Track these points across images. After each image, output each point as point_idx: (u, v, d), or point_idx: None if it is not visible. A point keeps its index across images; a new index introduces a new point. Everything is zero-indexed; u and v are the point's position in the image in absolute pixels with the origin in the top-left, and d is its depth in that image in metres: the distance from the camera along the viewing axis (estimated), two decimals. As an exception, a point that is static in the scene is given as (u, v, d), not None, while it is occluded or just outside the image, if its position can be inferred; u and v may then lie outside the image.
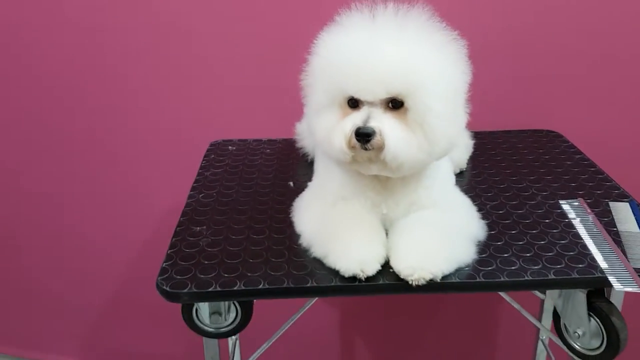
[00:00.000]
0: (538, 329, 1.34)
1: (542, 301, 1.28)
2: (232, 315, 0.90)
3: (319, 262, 0.83)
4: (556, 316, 0.91)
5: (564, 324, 0.89)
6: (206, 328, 0.90)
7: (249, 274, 0.82)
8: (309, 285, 0.80)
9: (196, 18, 1.32)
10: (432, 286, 0.78)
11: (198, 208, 1.01)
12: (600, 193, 1.02)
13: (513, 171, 1.12)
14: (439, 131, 0.77)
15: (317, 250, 0.83)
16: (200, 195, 1.05)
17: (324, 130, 0.80)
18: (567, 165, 1.14)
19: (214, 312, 0.88)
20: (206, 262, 0.85)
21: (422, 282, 0.76)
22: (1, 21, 1.36)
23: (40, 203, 1.54)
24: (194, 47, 1.35)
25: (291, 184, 1.08)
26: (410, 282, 0.77)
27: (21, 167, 1.51)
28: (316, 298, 1.06)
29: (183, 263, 0.85)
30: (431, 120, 0.76)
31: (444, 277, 0.79)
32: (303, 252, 0.86)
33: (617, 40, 1.27)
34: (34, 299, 1.65)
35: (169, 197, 1.46)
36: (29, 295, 1.65)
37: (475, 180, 1.08)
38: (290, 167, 1.16)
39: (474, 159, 1.16)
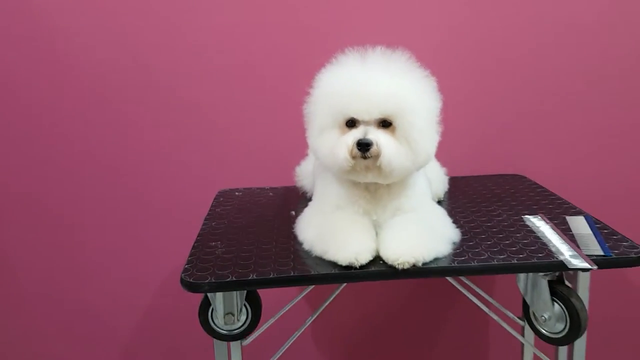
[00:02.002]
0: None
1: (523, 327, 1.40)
2: (243, 317, 1.02)
3: (319, 259, 0.98)
4: (525, 307, 1.04)
5: (532, 312, 1.03)
6: (220, 330, 1.02)
7: (259, 269, 0.96)
8: (312, 273, 0.94)
9: (199, 87, 1.53)
10: (414, 271, 0.93)
11: (211, 232, 1.16)
12: (558, 212, 1.19)
13: (483, 200, 1.29)
14: (420, 144, 0.96)
15: (317, 250, 0.98)
16: (213, 223, 1.21)
17: (328, 146, 0.98)
18: (530, 195, 1.32)
19: (227, 313, 1.01)
20: (222, 263, 0.99)
21: (406, 266, 0.91)
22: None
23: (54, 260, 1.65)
24: (198, 111, 1.54)
25: (293, 212, 1.24)
26: (396, 267, 0.92)
27: (27, 235, 1.62)
28: (317, 314, 1.19)
29: (202, 264, 0.99)
30: (414, 135, 0.95)
31: (425, 264, 0.94)
32: (306, 254, 1.01)
33: (569, 97, 1.50)
34: None
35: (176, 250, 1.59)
36: None
37: (451, 206, 1.25)
38: (291, 202, 1.33)
39: (450, 194, 1.33)
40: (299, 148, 1.37)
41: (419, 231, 0.97)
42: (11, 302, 1.66)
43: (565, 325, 0.98)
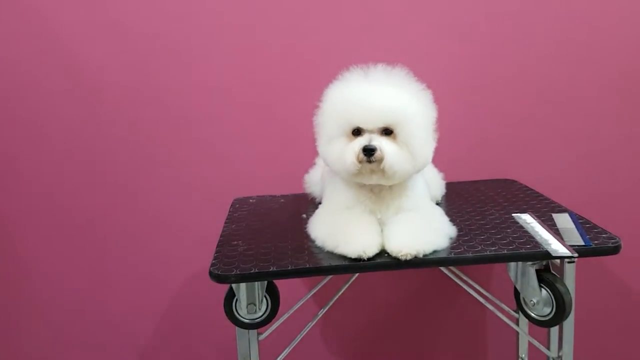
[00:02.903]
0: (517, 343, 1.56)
1: (517, 319, 1.51)
2: (264, 307, 1.14)
3: (331, 253, 1.10)
4: (516, 293, 1.16)
5: (523, 298, 1.14)
6: (243, 319, 1.14)
7: (278, 262, 1.08)
8: (325, 265, 1.06)
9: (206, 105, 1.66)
10: (416, 262, 1.05)
11: (232, 233, 1.28)
12: (546, 210, 1.31)
13: (477, 201, 1.41)
14: (419, 149, 1.09)
15: (329, 245, 1.11)
16: (233, 226, 1.33)
17: (336, 152, 1.11)
18: (520, 197, 1.44)
19: (250, 303, 1.13)
20: (244, 258, 1.12)
21: (409, 257, 1.04)
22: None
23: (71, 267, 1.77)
24: (213, 125, 1.67)
25: (304, 215, 1.36)
26: (400, 258, 1.04)
27: (45, 243, 1.72)
28: (328, 306, 1.31)
29: (227, 260, 1.11)
30: (414, 141, 1.08)
31: (425, 255, 1.06)
32: (319, 249, 1.13)
33: (557, 106, 1.63)
34: None
35: (200, 255, 1.71)
36: None
37: (448, 207, 1.37)
38: (302, 207, 1.45)
39: (447, 197, 1.46)
40: (307, 158, 1.50)
41: (420, 227, 1.10)
42: (29, 310, 1.76)
43: (552, 309, 1.10)
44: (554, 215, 1.26)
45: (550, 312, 1.10)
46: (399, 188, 1.15)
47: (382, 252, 1.07)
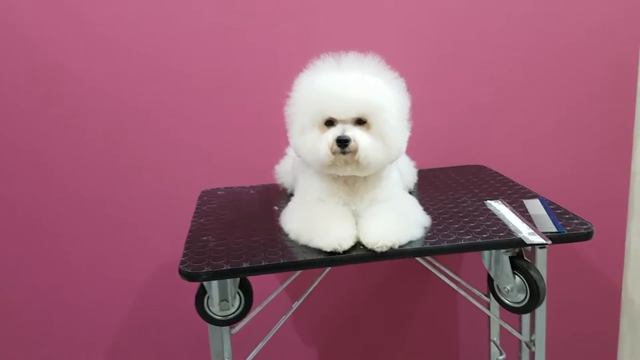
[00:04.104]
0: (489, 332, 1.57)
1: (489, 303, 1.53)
2: (237, 302, 1.12)
3: (305, 247, 1.08)
4: (490, 281, 1.16)
5: (497, 285, 1.15)
6: (215, 316, 1.11)
7: (251, 258, 1.05)
8: (299, 259, 1.04)
9: (177, 97, 1.61)
10: (392, 253, 1.04)
11: (202, 228, 1.24)
12: (516, 196, 1.32)
13: (449, 189, 1.41)
14: (393, 139, 1.07)
15: (303, 239, 1.08)
16: (202, 220, 1.29)
17: (309, 144, 1.08)
18: (491, 183, 1.44)
19: (222, 300, 1.10)
20: (215, 254, 1.08)
21: (384, 249, 1.02)
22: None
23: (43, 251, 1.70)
24: (179, 115, 1.62)
25: (276, 207, 1.33)
26: (376, 250, 1.02)
27: (8, 238, 1.66)
28: (302, 299, 1.29)
29: (197, 256, 1.08)
30: (387, 131, 1.06)
31: (400, 246, 1.04)
32: (293, 243, 1.11)
33: (524, 93, 1.64)
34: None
35: (166, 248, 1.67)
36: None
37: (421, 196, 1.36)
38: (273, 198, 1.42)
39: (419, 186, 1.45)
40: (277, 148, 1.47)
41: (394, 218, 1.08)
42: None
43: (526, 295, 1.10)
44: (524, 201, 1.27)
45: (524, 299, 1.11)
46: (373, 179, 1.13)
47: (358, 244, 1.06)
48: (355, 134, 1.05)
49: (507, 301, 1.14)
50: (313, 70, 1.11)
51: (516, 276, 1.11)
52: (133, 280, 1.70)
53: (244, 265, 1.03)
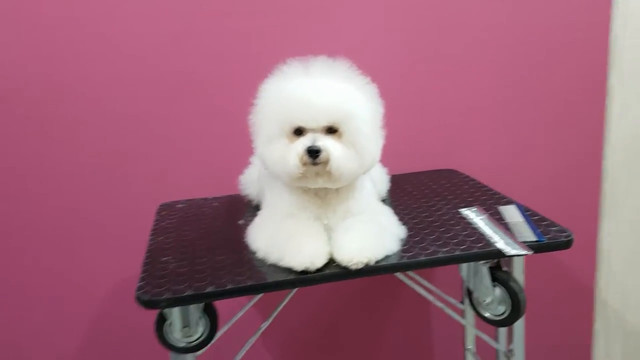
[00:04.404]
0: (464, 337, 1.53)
1: (463, 311, 1.48)
2: (201, 328, 1.03)
3: (275, 266, 1.00)
4: (468, 293, 1.11)
5: (476, 297, 1.10)
6: (178, 344, 1.02)
7: (216, 280, 0.97)
8: (269, 281, 0.96)
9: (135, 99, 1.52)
10: (367, 270, 0.97)
11: (161, 247, 1.15)
12: (491, 202, 1.27)
13: (422, 195, 1.36)
14: (366, 148, 1.00)
15: (272, 257, 1.01)
16: (160, 238, 1.20)
17: (277, 154, 1.00)
18: (464, 189, 1.40)
19: (184, 326, 1.01)
20: (177, 277, 0.99)
21: (360, 265, 0.96)
22: None
23: None
24: (134, 122, 1.52)
25: (241, 222, 1.25)
26: (350, 268, 0.95)
27: None
28: (271, 319, 1.21)
29: (156, 280, 0.99)
30: (361, 139, 0.99)
31: (377, 262, 0.98)
32: (261, 262, 1.03)
33: (493, 95, 1.60)
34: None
35: (121, 262, 1.56)
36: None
37: (394, 204, 1.30)
38: (238, 211, 1.34)
39: (392, 193, 1.39)
40: (240, 156, 1.39)
41: (369, 232, 1.02)
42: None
43: (507, 307, 1.06)
44: (500, 208, 1.23)
45: (505, 311, 1.06)
46: (346, 190, 1.06)
47: (331, 262, 0.99)
48: (327, 143, 0.98)
49: (487, 314, 1.09)
50: (279, 76, 1.04)
51: (496, 288, 1.06)
52: (90, 296, 1.59)
53: (208, 289, 0.95)
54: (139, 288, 0.96)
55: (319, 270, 0.96)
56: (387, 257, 1.00)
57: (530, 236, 1.05)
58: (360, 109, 1.00)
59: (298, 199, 1.06)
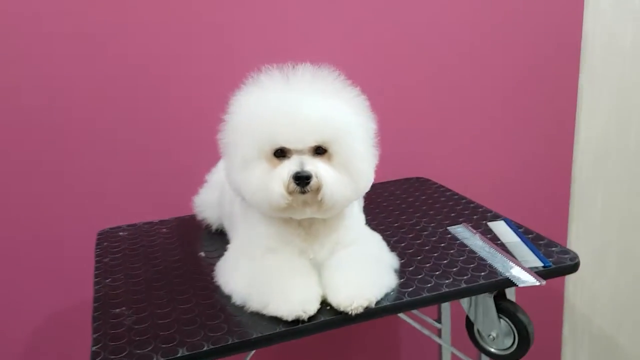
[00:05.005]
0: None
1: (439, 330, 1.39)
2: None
3: (257, 315, 0.84)
4: (469, 325, 1.01)
5: (477, 330, 0.99)
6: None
7: (188, 340, 0.80)
8: (254, 337, 0.80)
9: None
10: (369, 313, 0.83)
11: (110, 292, 0.96)
12: (476, 217, 1.18)
13: (400, 212, 1.24)
14: (361, 171, 0.86)
15: (254, 304, 0.85)
16: (107, 281, 1.00)
17: (256, 182, 0.84)
18: (442, 201, 1.29)
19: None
20: (138, 338, 0.81)
21: (360, 310, 0.82)
22: None
23: None
24: (61, 131, 1.30)
25: (202, 254, 1.08)
26: (349, 312, 0.81)
27: None
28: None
29: (114, 343, 0.80)
30: (354, 161, 0.85)
31: (377, 302, 0.85)
32: (239, 310, 0.86)
33: (462, 101, 1.51)
34: None
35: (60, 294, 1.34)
36: None
37: (372, 224, 1.16)
38: (195, 240, 1.16)
39: (365, 208, 1.26)
40: (188, 172, 1.22)
41: (366, 268, 0.88)
42: None
43: (514, 341, 0.96)
44: (490, 224, 1.13)
45: (512, 345, 0.96)
46: (335, 219, 0.91)
47: (323, 305, 0.84)
48: (318, 168, 0.82)
49: (492, 349, 0.98)
50: (255, 87, 0.87)
51: (501, 320, 0.96)
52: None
53: (180, 353, 0.77)
54: (94, 355, 0.78)
55: (311, 318, 0.82)
56: (386, 294, 0.87)
57: (534, 261, 0.96)
58: (352, 125, 0.86)
59: (279, 230, 0.90)
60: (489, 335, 0.97)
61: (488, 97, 1.53)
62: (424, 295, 0.88)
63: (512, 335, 0.96)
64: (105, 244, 1.17)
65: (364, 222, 1.02)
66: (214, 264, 1.01)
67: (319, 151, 0.85)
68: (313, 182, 0.82)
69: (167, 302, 0.91)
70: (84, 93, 1.26)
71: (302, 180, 0.81)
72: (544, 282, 0.89)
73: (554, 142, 1.59)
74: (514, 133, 1.56)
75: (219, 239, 1.14)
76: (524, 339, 0.94)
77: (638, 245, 1.69)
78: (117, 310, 0.89)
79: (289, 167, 0.82)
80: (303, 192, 0.82)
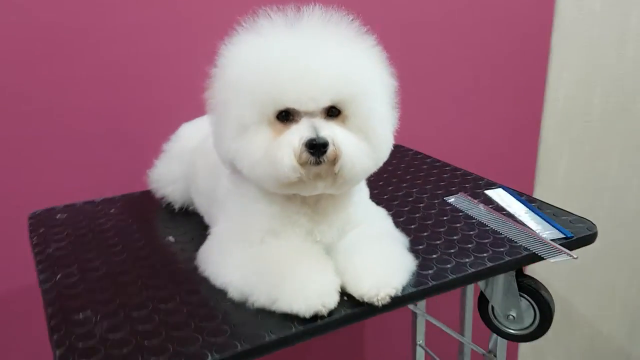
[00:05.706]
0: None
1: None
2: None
3: (265, 312, 0.69)
4: (482, 303, 0.91)
5: (493, 309, 0.90)
6: None
7: (184, 349, 0.64)
8: (267, 340, 0.65)
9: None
10: (395, 302, 0.71)
11: (65, 292, 0.77)
12: (469, 186, 1.08)
13: (385, 184, 1.12)
14: (382, 135, 0.72)
15: (259, 298, 0.70)
16: (58, 277, 0.81)
17: (258, 151, 0.68)
18: (426, 169, 1.19)
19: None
20: (117, 351, 0.64)
21: (387, 300, 0.69)
22: None
23: None
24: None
25: (171, 238, 0.90)
26: (376, 304, 0.69)
27: None
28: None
29: (86, 357, 0.63)
30: (375, 124, 0.71)
31: (403, 290, 0.73)
32: (240, 306, 0.71)
33: (429, 62, 1.40)
34: None
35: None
36: None
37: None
38: (156, 222, 0.98)
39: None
40: (138, 141, 1.03)
41: (385, 250, 0.75)
42: None
43: (534, 320, 0.88)
44: (488, 192, 1.04)
45: (532, 324, 0.88)
46: (346, 195, 0.77)
47: (341, 296, 0.71)
48: (335, 133, 0.68)
49: (510, 330, 0.90)
50: (252, 34, 0.70)
51: (522, 298, 0.87)
52: None
53: (178, 367, 0.61)
54: (61, 378, 0.60)
55: (330, 312, 0.68)
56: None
57: (553, 232, 0.87)
58: (374, 81, 0.72)
59: (282, 209, 0.75)
60: (508, 315, 0.88)
61: (459, 57, 1.44)
62: (450, 277, 0.77)
63: (533, 314, 0.88)
64: (42, 229, 0.96)
65: (368, 195, 0.88)
66: (188, 250, 0.85)
67: (332, 113, 0.70)
68: (330, 150, 0.67)
69: (143, 301, 0.73)
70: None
71: (317, 148, 0.66)
72: (575, 257, 0.81)
73: (524, 103, 1.54)
74: (484, 95, 1.49)
75: (186, 219, 0.97)
76: (546, 317, 0.87)
77: (599, 208, 1.70)
78: (81, 315, 0.71)
79: (300, 133, 0.67)
80: (317, 163, 0.68)
